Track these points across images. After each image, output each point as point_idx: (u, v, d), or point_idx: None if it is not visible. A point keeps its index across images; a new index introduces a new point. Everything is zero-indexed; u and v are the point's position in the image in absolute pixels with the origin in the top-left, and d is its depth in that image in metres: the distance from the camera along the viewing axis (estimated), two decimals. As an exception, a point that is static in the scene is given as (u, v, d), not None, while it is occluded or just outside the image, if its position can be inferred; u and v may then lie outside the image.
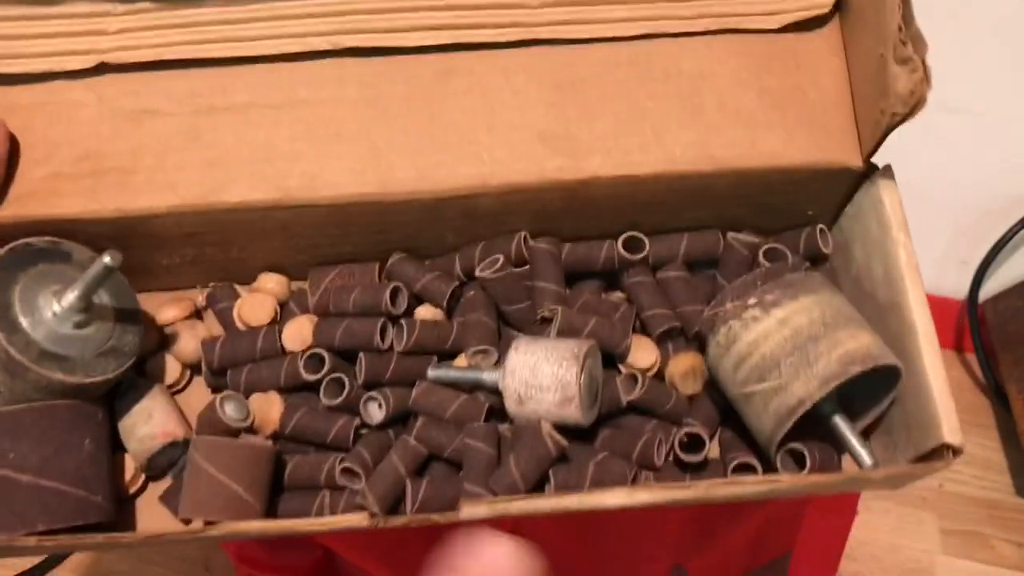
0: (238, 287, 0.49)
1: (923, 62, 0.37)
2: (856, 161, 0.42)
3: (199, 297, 0.48)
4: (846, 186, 0.44)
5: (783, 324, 0.39)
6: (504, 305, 0.45)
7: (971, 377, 0.57)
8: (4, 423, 0.39)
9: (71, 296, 0.40)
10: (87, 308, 0.41)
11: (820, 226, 0.46)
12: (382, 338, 0.44)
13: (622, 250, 0.45)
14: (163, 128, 0.43)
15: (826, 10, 0.43)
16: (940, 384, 0.38)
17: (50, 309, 0.40)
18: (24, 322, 0.39)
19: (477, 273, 0.45)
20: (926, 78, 0.37)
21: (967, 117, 0.58)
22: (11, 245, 0.41)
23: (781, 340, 0.39)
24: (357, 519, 0.37)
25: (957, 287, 0.59)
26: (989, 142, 0.60)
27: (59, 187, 0.43)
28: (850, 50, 0.43)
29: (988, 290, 0.57)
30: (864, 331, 0.38)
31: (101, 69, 0.44)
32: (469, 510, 0.37)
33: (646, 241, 0.46)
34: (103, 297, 0.42)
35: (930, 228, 0.57)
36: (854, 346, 0.38)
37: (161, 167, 0.43)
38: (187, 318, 0.47)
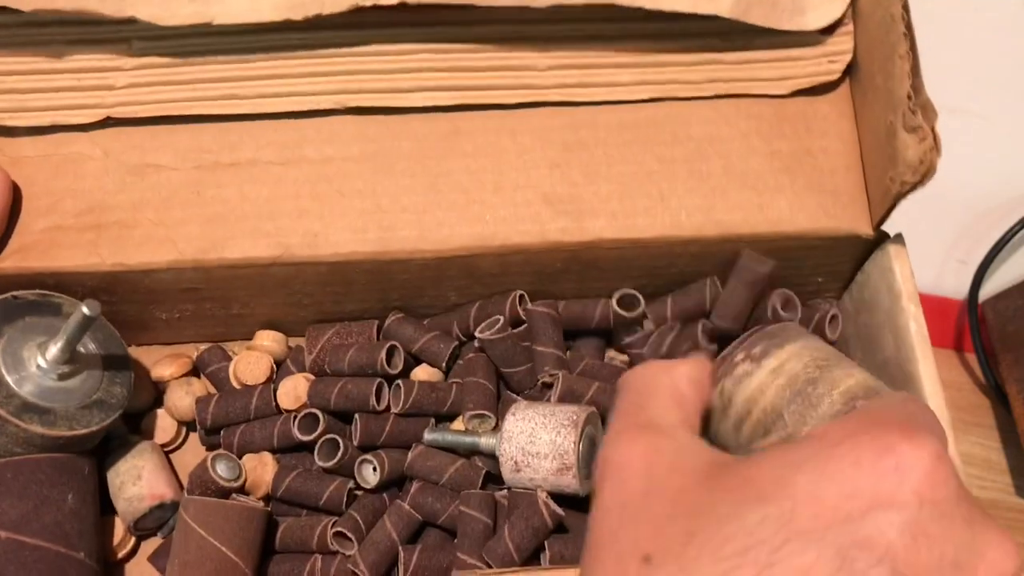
0: (235, 344, 0.48)
1: (933, 130, 0.36)
2: (866, 228, 0.42)
3: (195, 354, 0.47)
4: (856, 253, 0.43)
5: (777, 373, 0.37)
6: (504, 367, 0.44)
7: (971, 377, 0.55)
8: (-12, 479, 0.39)
9: (54, 348, 0.40)
10: (72, 359, 0.40)
11: (832, 312, 0.45)
12: (378, 399, 0.43)
13: (617, 308, 0.45)
14: (166, 182, 0.43)
15: (836, 76, 0.43)
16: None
17: (34, 361, 0.40)
18: (6, 374, 0.39)
19: (476, 334, 0.44)
20: (936, 147, 0.36)
21: (966, 118, 0.58)
22: None
23: (778, 389, 0.37)
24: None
25: (957, 287, 0.58)
26: (988, 142, 0.60)
27: (60, 239, 0.43)
28: (860, 116, 0.43)
29: (988, 290, 0.56)
30: (855, 367, 0.37)
31: (107, 123, 0.44)
32: (461, 581, 0.35)
33: (641, 299, 0.45)
34: (90, 348, 0.42)
35: (930, 228, 0.56)
36: (852, 382, 0.37)
37: (163, 221, 0.42)
38: (184, 375, 0.46)
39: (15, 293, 0.41)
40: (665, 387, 0.32)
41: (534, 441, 0.39)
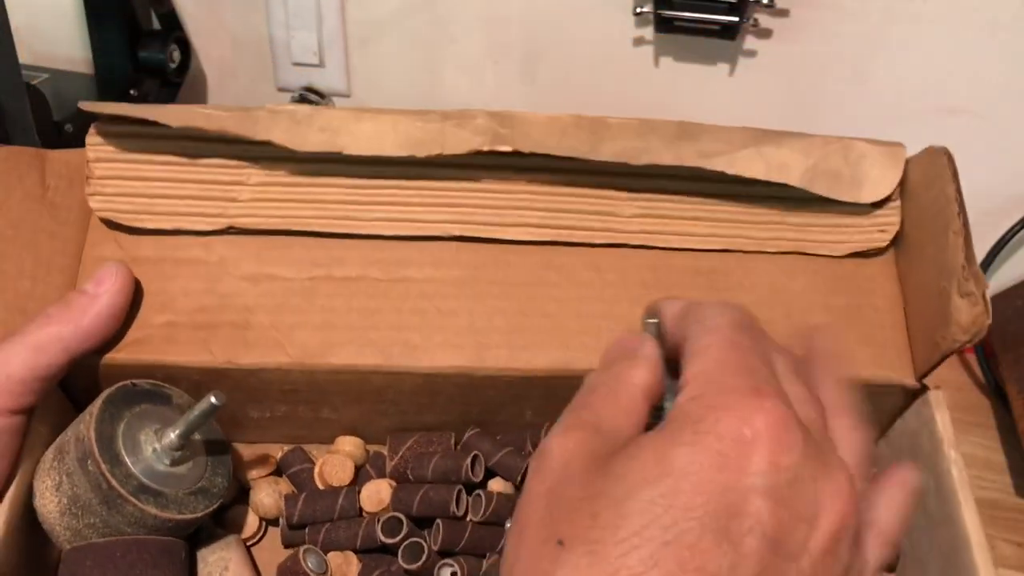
0: (314, 447, 0.51)
1: (983, 296, 0.41)
2: (910, 380, 0.46)
3: (278, 454, 0.50)
4: (898, 403, 0.48)
5: None
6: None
7: (971, 377, 0.56)
8: (95, 554, 0.40)
9: (172, 434, 0.42)
10: (184, 447, 0.43)
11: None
12: (457, 505, 0.46)
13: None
14: (279, 291, 0.47)
15: (884, 244, 0.48)
16: (995, 595, 0.41)
17: (150, 446, 0.42)
18: (126, 456, 0.41)
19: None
20: (987, 311, 0.41)
21: (967, 117, 0.58)
22: (118, 384, 0.43)
23: None
24: None
25: None
26: (989, 142, 0.60)
27: (173, 335, 0.46)
28: (905, 280, 0.48)
29: (988, 290, 0.58)
30: None
31: (227, 232, 0.48)
32: None
33: None
34: (196, 438, 0.44)
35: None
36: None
37: (274, 326, 0.46)
38: (269, 474, 0.49)
39: (133, 381, 0.44)
40: (622, 393, 0.33)
41: None
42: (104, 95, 0.80)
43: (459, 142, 0.46)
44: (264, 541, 0.49)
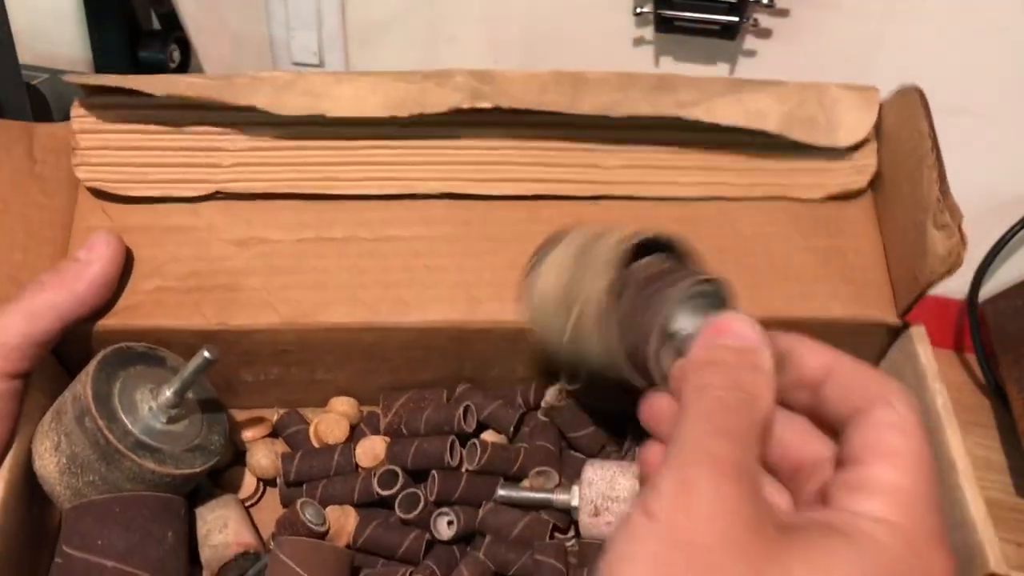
0: (308, 411, 0.51)
1: (959, 228, 0.42)
2: (892, 317, 0.47)
3: (274, 417, 0.51)
4: (881, 341, 0.49)
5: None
6: (568, 432, 0.48)
7: (971, 377, 0.56)
8: (95, 510, 0.41)
9: (167, 391, 0.43)
10: (179, 404, 0.43)
11: None
12: (451, 455, 0.47)
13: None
14: (269, 253, 0.47)
15: (862, 186, 0.49)
16: (982, 517, 0.42)
17: (146, 404, 0.43)
18: (122, 414, 0.42)
19: (543, 402, 0.48)
20: (963, 242, 0.42)
21: (967, 117, 0.58)
22: (113, 346, 0.44)
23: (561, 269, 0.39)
24: (443, 621, 0.39)
25: (957, 287, 0.59)
26: (989, 142, 0.60)
27: (164, 300, 0.46)
28: (884, 220, 0.49)
29: (988, 290, 0.56)
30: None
31: (214, 197, 0.48)
32: (550, 617, 0.38)
33: None
34: (192, 397, 0.45)
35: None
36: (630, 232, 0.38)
37: (265, 287, 0.46)
38: (265, 436, 0.49)
39: (128, 343, 0.44)
40: (758, 422, 0.30)
41: (614, 487, 0.43)
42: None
43: (440, 100, 0.47)
44: (262, 502, 0.49)
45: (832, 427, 0.32)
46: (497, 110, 0.47)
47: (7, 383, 0.42)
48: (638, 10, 0.67)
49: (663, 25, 0.66)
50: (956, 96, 0.57)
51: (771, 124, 0.48)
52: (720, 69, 0.70)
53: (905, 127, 0.47)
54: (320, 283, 0.47)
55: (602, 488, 0.43)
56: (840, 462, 0.30)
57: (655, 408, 0.33)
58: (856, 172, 0.49)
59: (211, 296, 0.46)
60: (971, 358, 0.58)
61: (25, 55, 0.68)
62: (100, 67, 0.80)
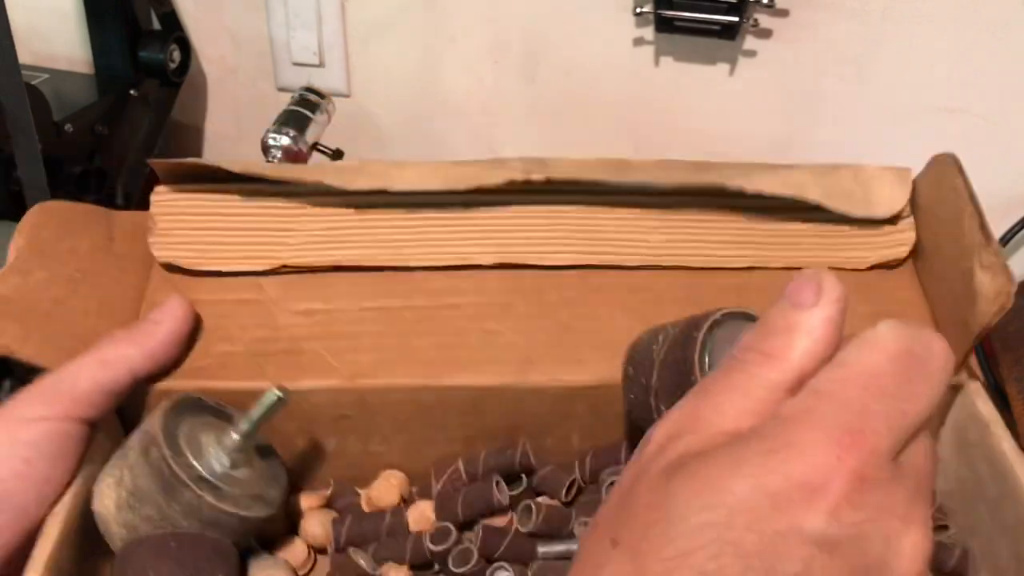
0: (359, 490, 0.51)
1: (1003, 266, 0.43)
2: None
3: (328, 491, 0.50)
4: (945, 399, 0.49)
5: None
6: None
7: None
8: (150, 544, 0.40)
9: (235, 433, 0.43)
10: (244, 449, 0.43)
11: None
12: (499, 492, 0.46)
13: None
14: (331, 321, 0.49)
15: (904, 256, 0.51)
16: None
17: (211, 447, 0.43)
18: (187, 449, 0.42)
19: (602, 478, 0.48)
20: (1010, 279, 0.43)
21: (967, 117, 0.58)
22: (185, 393, 0.45)
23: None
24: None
25: None
26: (989, 142, 0.60)
27: (231, 363, 0.47)
28: (927, 284, 0.50)
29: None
30: None
31: (279, 272, 0.50)
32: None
33: None
34: (254, 452, 0.45)
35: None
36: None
37: (326, 351, 0.48)
38: (319, 507, 0.49)
39: (199, 395, 0.45)
40: (753, 390, 0.29)
41: None
42: (104, 95, 0.80)
43: (495, 177, 0.50)
44: (315, 571, 0.48)
45: None
46: (549, 184, 0.49)
47: (75, 426, 0.42)
48: (638, 10, 0.68)
49: (663, 25, 0.67)
50: (956, 96, 0.58)
51: (812, 195, 0.50)
52: (720, 69, 0.70)
53: (941, 189, 0.49)
54: (379, 346, 0.48)
55: None
56: None
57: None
58: (897, 244, 0.51)
59: (274, 360, 0.48)
60: (971, 358, 0.56)
61: (25, 55, 0.68)
62: (100, 67, 0.80)
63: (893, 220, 0.51)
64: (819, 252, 0.51)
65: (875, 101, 0.66)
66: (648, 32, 0.72)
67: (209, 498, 0.41)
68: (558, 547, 0.45)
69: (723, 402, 0.29)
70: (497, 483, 0.46)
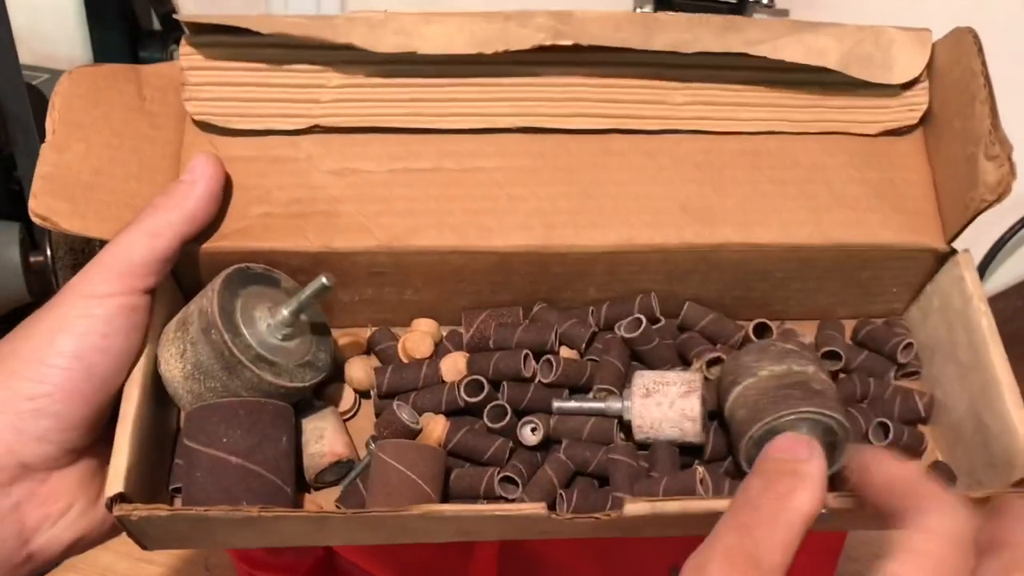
0: (396, 330, 0.56)
1: (1009, 158, 0.46)
2: (940, 244, 0.51)
3: (366, 334, 0.55)
4: (928, 267, 0.53)
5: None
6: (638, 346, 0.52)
7: None
8: (221, 411, 0.45)
9: (285, 311, 0.47)
10: (293, 324, 0.48)
11: (907, 340, 0.54)
12: (525, 368, 0.51)
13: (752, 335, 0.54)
14: (363, 182, 0.51)
15: (914, 122, 0.53)
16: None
17: (264, 321, 0.47)
18: (244, 329, 0.46)
19: (618, 332, 0.53)
20: (1012, 172, 0.46)
21: None
22: (235, 266, 0.48)
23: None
24: (535, 508, 0.43)
25: None
26: None
27: (271, 224, 0.50)
28: (933, 154, 0.52)
29: (988, 290, 0.57)
30: None
31: (312, 131, 0.52)
32: (631, 507, 0.43)
33: (773, 328, 0.54)
34: (303, 318, 0.49)
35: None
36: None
37: (361, 214, 0.51)
38: (360, 353, 0.54)
39: (247, 264, 0.48)
40: (783, 522, 0.34)
41: (664, 375, 0.48)
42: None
43: (522, 39, 0.50)
44: (360, 414, 0.54)
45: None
46: (575, 48, 0.50)
47: (138, 298, 0.46)
48: (638, 10, 0.68)
49: (663, 23, 0.67)
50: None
51: (831, 62, 0.51)
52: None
53: (957, 66, 0.50)
54: (410, 210, 0.51)
55: (654, 376, 0.48)
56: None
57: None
58: (908, 109, 0.53)
59: (313, 221, 0.50)
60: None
61: (25, 55, 0.69)
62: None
63: (908, 85, 0.53)
64: (832, 117, 0.53)
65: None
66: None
67: (268, 376, 0.46)
68: (570, 404, 0.51)
69: (769, 536, 0.33)
70: (525, 356, 0.50)
